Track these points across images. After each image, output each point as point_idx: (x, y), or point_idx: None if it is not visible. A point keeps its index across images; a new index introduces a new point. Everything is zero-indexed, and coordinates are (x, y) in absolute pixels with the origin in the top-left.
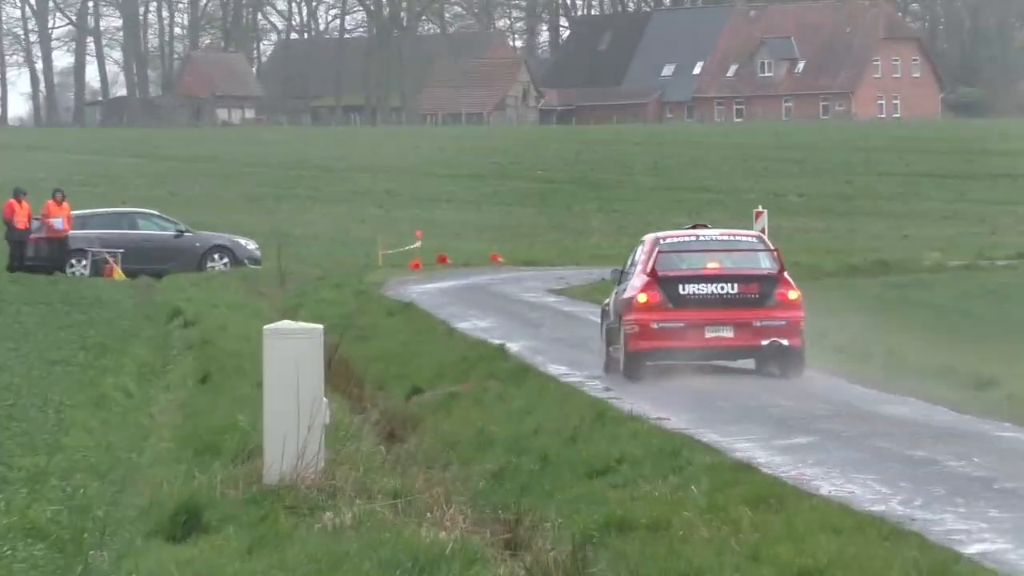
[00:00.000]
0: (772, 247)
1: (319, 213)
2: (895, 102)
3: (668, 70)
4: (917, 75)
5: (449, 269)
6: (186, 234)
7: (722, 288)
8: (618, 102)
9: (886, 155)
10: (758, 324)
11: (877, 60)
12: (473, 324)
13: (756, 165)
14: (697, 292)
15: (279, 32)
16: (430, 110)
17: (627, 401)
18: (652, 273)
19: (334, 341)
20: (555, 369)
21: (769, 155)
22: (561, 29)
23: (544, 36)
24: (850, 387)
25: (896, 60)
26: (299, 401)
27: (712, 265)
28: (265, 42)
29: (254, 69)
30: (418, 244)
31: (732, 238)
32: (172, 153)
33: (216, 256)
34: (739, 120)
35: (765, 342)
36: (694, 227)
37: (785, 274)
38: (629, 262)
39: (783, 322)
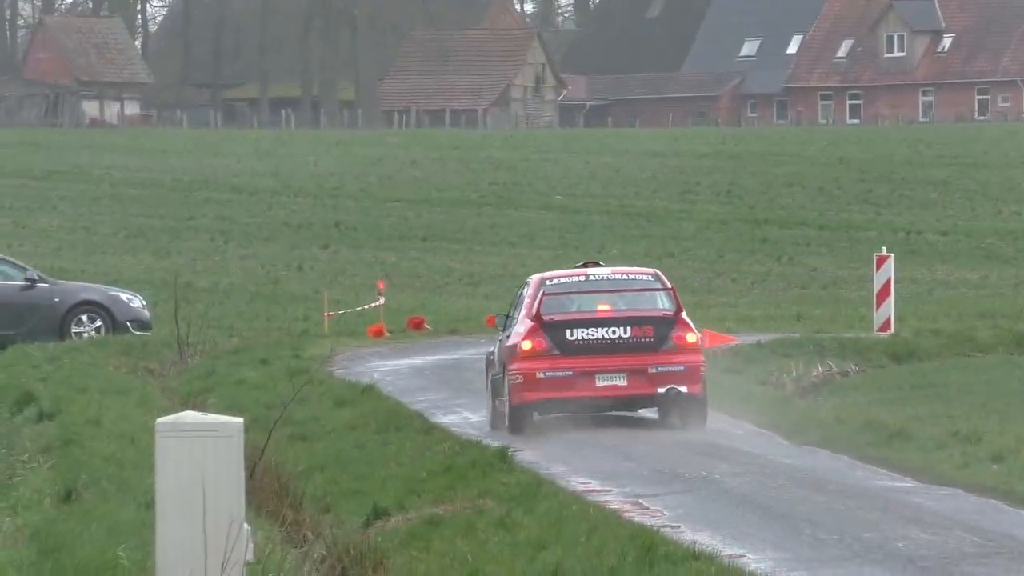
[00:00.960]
0: (670, 285)
1: (235, 255)
2: None
3: (750, 48)
4: None
5: (428, 337)
6: (40, 285)
7: (613, 332)
8: (675, 95)
9: None
10: (653, 371)
11: None
12: (462, 417)
13: (878, 188)
14: (586, 337)
15: None
16: (399, 106)
17: (684, 529)
18: (537, 318)
19: (259, 442)
20: (581, 484)
21: (898, 173)
22: None
23: None
24: (1016, 511)
25: None
26: (207, 528)
27: (603, 307)
28: (155, 3)
29: (138, 43)
30: (381, 301)
31: (625, 277)
32: (16, 166)
33: (85, 317)
34: (854, 121)
35: (662, 389)
36: (585, 265)
37: (683, 315)
38: (513, 306)
39: (681, 367)
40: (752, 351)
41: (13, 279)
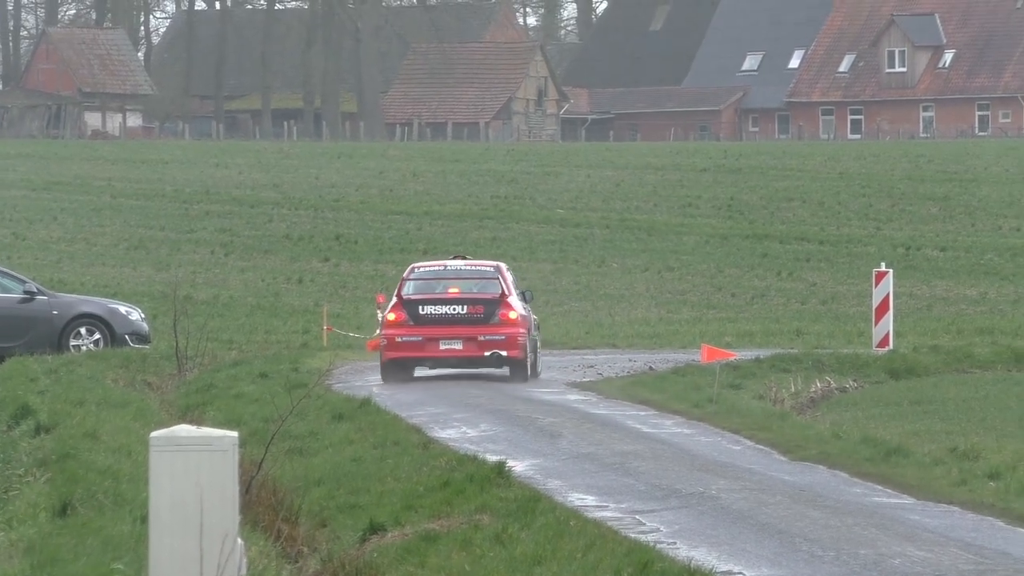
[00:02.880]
0: (506, 276)
1: (235, 268)
2: None
3: (751, 63)
4: None
5: None
6: (39, 297)
7: (453, 309)
8: (677, 109)
9: None
10: (482, 339)
11: None
12: (460, 432)
13: (878, 203)
14: (433, 312)
15: (178, 2)
16: (401, 118)
17: (680, 545)
18: (399, 296)
19: (256, 456)
20: (578, 500)
21: (898, 188)
22: (595, 1)
23: (570, 11)
24: (1013, 529)
25: None
26: (203, 543)
27: (451, 290)
28: (158, 15)
29: (141, 55)
30: (380, 314)
31: (473, 267)
32: (17, 176)
33: (83, 330)
34: (855, 136)
35: (487, 353)
36: (454, 257)
37: (508, 299)
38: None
39: (503, 337)
40: (751, 366)
41: (12, 292)
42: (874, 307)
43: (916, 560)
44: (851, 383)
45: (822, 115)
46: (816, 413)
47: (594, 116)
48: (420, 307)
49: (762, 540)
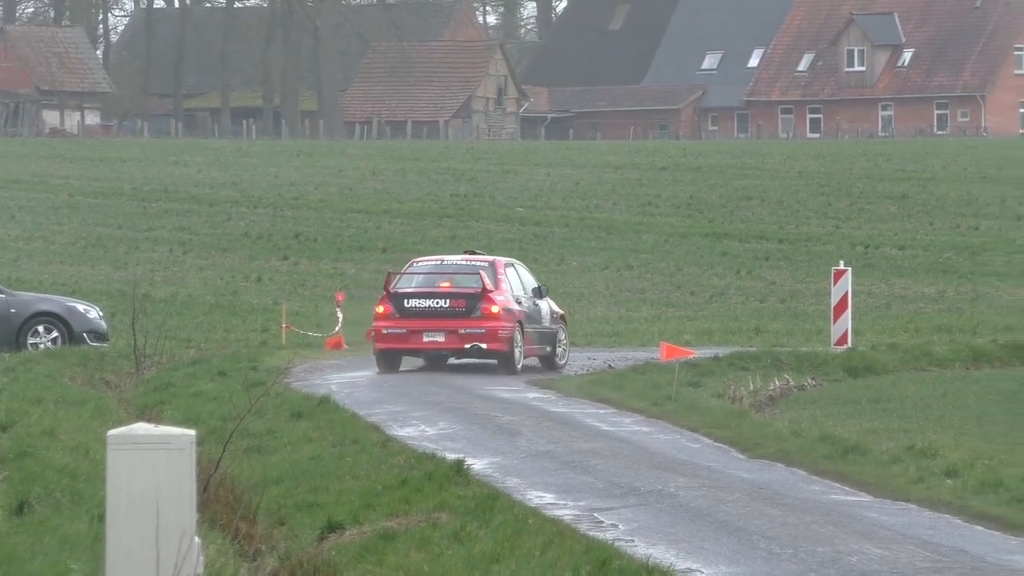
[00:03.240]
0: (499, 272)
1: (193, 266)
2: None
3: (711, 61)
4: None
5: None
6: None
7: (437, 303)
8: (636, 107)
9: None
10: (463, 332)
11: (1021, 48)
12: (419, 430)
13: (837, 202)
14: (418, 306)
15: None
16: (361, 117)
17: (638, 543)
18: (387, 289)
19: (214, 454)
20: (537, 498)
21: (857, 187)
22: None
23: (530, 10)
24: (969, 526)
25: None
26: (160, 541)
27: (438, 284)
28: (116, 13)
29: (99, 53)
30: (339, 313)
31: (467, 263)
32: None
33: (41, 328)
34: (814, 135)
35: (468, 345)
36: (465, 252)
37: (492, 293)
38: None
39: (483, 330)
40: (710, 364)
41: None
42: (833, 305)
43: (873, 557)
44: (809, 381)
45: (781, 114)
46: (774, 411)
47: (554, 115)
48: (406, 300)
49: (720, 538)
